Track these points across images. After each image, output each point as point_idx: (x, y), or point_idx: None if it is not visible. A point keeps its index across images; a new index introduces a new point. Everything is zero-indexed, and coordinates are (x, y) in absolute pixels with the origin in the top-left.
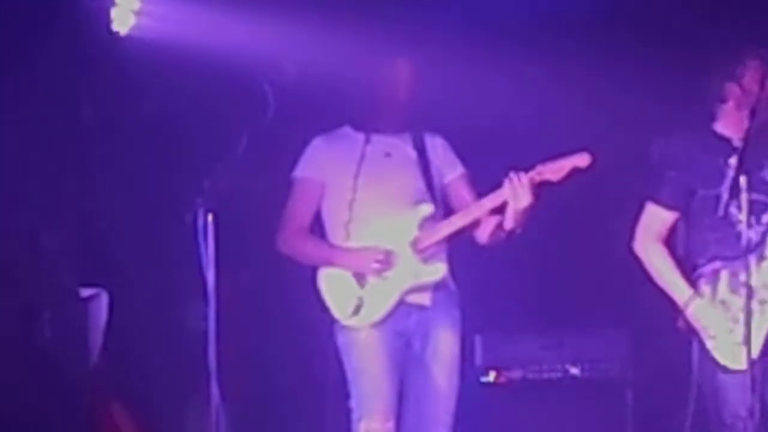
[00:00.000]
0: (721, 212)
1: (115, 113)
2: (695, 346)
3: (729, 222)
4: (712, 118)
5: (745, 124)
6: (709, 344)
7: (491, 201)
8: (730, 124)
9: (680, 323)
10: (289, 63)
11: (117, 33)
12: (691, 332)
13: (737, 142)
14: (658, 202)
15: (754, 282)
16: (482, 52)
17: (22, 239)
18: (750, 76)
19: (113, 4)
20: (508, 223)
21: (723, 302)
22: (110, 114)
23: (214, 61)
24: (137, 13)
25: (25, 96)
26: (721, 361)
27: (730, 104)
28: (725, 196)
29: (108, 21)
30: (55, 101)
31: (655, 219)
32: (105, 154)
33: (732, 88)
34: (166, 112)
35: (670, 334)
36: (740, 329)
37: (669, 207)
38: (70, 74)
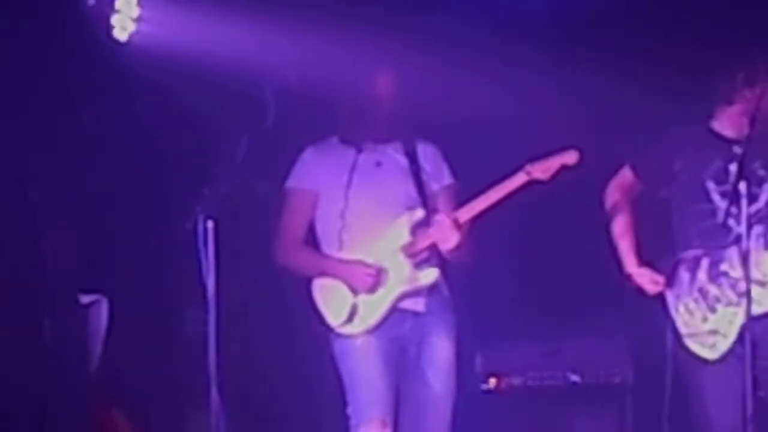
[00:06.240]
0: (720, 219)
1: (115, 119)
2: (669, 336)
3: (713, 212)
4: (711, 116)
5: (745, 129)
6: (683, 331)
7: (425, 240)
8: (728, 126)
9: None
10: (289, 69)
11: (117, 39)
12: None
13: (735, 146)
14: (632, 167)
15: (736, 273)
16: (472, 53)
17: (22, 246)
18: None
19: (114, 10)
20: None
21: (701, 290)
22: (110, 120)
23: (214, 67)
24: (137, 20)
25: (26, 101)
26: (697, 351)
27: (736, 107)
28: (724, 204)
29: (108, 28)
30: (56, 107)
31: (624, 180)
32: (105, 160)
33: (742, 92)
34: (166, 118)
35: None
36: (715, 318)
37: (635, 173)
38: (71, 80)
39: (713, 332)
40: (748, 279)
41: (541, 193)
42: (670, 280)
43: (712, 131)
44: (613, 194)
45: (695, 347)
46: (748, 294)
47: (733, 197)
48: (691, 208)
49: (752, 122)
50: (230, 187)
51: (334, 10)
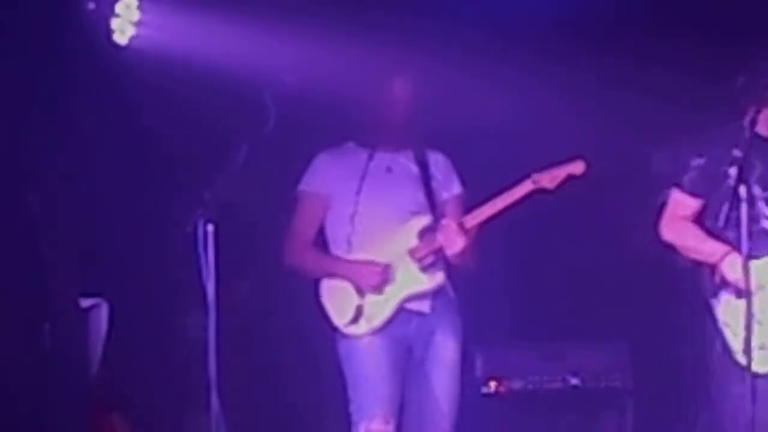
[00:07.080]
0: (721, 223)
1: (115, 123)
2: (717, 347)
3: (756, 219)
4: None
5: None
6: (732, 342)
7: (431, 244)
8: (765, 127)
9: (717, 278)
10: (289, 73)
11: (117, 43)
12: (726, 286)
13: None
14: (683, 189)
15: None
16: (480, 61)
17: (22, 249)
18: None
19: (114, 14)
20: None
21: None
22: (111, 124)
23: (215, 71)
24: (137, 24)
25: (26, 106)
26: (744, 364)
27: None
28: (725, 207)
29: (108, 32)
30: (55, 111)
31: (680, 206)
32: (105, 164)
33: None
34: (166, 122)
35: (671, 344)
36: (763, 331)
37: (693, 195)
38: (71, 84)
39: (762, 347)
40: (747, 286)
41: (544, 197)
42: (716, 293)
43: (755, 134)
44: (673, 226)
45: (743, 360)
46: (748, 300)
47: (735, 200)
48: (734, 214)
49: (752, 125)
50: (230, 191)
51: (334, 14)
